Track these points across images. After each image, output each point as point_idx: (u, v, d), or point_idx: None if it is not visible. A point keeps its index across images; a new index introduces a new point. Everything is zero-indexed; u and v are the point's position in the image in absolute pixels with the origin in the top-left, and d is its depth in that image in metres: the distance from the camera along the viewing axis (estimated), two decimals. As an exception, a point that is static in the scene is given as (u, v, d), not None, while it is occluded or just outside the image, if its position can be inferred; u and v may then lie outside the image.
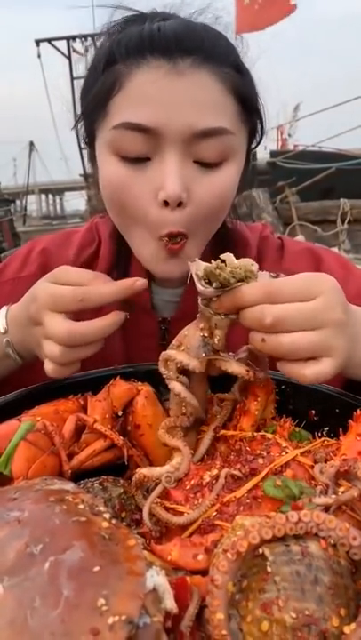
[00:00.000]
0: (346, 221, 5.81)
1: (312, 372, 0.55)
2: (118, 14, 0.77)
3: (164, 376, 0.59)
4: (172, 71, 0.67)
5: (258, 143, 0.83)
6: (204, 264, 0.56)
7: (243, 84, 0.73)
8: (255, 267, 0.56)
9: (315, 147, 9.22)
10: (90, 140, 0.80)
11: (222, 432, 0.61)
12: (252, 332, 0.55)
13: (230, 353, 0.61)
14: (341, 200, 5.93)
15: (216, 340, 0.57)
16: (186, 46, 0.68)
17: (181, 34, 0.69)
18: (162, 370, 0.59)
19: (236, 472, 0.53)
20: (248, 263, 0.56)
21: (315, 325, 0.54)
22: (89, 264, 0.94)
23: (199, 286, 0.55)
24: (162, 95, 0.68)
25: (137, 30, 0.71)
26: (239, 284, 0.55)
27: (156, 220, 0.71)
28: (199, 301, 0.58)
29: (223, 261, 0.56)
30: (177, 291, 0.88)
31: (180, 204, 0.70)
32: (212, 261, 0.56)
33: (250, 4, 7.15)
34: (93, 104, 0.74)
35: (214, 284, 0.54)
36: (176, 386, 0.59)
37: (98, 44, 0.78)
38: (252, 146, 0.83)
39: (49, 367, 0.66)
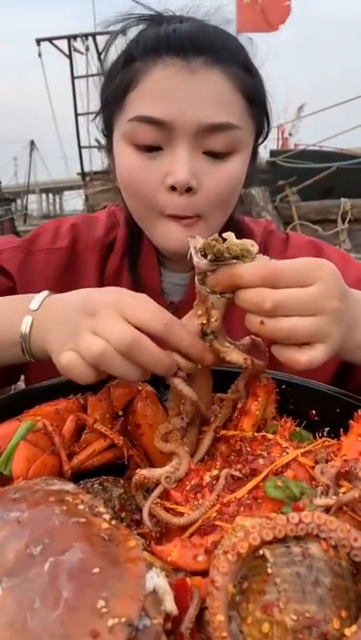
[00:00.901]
0: (346, 221, 5.81)
1: (307, 357, 0.54)
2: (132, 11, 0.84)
3: None
4: (185, 69, 0.73)
5: (265, 138, 0.89)
6: (203, 239, 0.54)
7: (251, 82, 0.79)
8: (255, 248, 0.54)
9: (315, 146, 9.21)
10: (108, 133, 0.86)
11: (223, 432, 0.61)
12: (250, 315, 0.54)
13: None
14: (342, 199, 5.93)
15: (213, 319, 0.55)
16: (199, 46, 0.74)
17: (195, 34, 0.75)
18: None
19: (237, 472, 0.53)
20: (248, 243, 0.54)
21: (313, 312, 0.54)
22: (110, 246, 1.00)
23: (195, 258, 0.53)
24: (174, 91, 0.74)
25: (154, 31, 0.77)
26: (234, 260, 0.53)
27: (164, 202, 0.78)
28: (196, 281, 0.55)
29: (225, 240, 0.54)
30: (185, 275, 0.94)
31: (189, 190, 0.76)
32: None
33: (250, 3, 7.15)
34: (112, 98, 0.80)
35: (209, 257, 0.52)
36: (174, 380, 0.57)
37: (111, 37, 0.85)
38: (259, 141, 0.88)
39: (72, 359, 0.56)
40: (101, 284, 0.99)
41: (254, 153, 0.88)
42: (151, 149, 0.77)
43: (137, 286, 0.96)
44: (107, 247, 0.99)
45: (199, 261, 0.53)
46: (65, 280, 0.96)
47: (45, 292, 0.69)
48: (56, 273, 0.96)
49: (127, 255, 0.97)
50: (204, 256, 0.53)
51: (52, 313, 0.66)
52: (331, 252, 1.00)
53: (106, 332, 0.54)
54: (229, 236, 0.54)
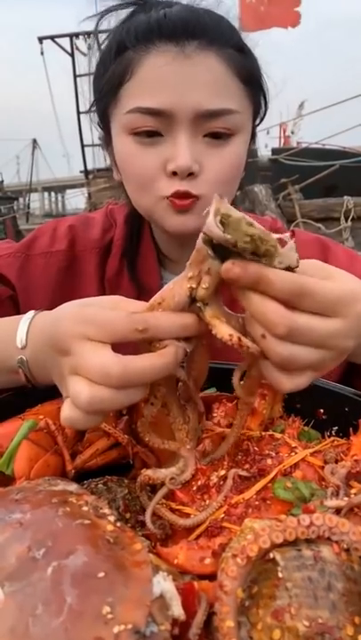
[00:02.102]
0: (349, 219, 5.78)
1: (292, 385, 0.47)
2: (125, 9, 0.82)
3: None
4: (180, 55, 0.72)
5: (262, 119, 0.88)
6: (237, 214, 0.43)
7: (246, 63, 0.78)
8: (277, 248, 0.44)
9: (318, 144, 9.18)
10: (104, 124, 0.85)
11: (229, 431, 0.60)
12: (254, 322, 0.46)
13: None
14: (345, 197, 5.90)
15: (203, 286, 0.45)
16: (191, 30, 0.73)
17: (186, 18, 0.74)
18: None
19: (244, 472, 0.51)
20: (273, 239, 0.44)
21: (321, 346, 0.47)
22: (108, 247, 0.98)
23: (211, 219, 0.43)
24: (171, 78, 0.73)
25: (144, 18, 0.76)
26: (250, 257, 0.43)
27: (164, 187, 0.77)
28: (200, 238, 0.45)
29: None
30: None
31: (191, 174, 0.76)
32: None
33: (255, 3, 7.13)
34: (106, 90, 0.79)
35: (228, 237, 0.42)
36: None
37: (106, 35, 0.83)
38: (257, 122, 0.87)
39: (69, 414, 0.48)
40: (102, 287, 0.97)
41: (253, 134, 0.87)
42: (151, 136, 0.76)
43: (138, 289, 0.95)
44: (104, 249, 0.98)
45: (214, 227, 0.43)
46: (65, 284, 0.96)
47: (30, 314, 0.63)
48: (56, 277, 0.95)
49: (126, 257, 0.96)
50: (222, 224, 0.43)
51: (39, 350, 0.60)
52: (337, 250, 0.99)
53: (87, 371, 0.46)
54: (265, 233, 0.43)
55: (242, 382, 0.52)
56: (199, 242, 0.45)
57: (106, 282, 0.97)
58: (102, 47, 0.83)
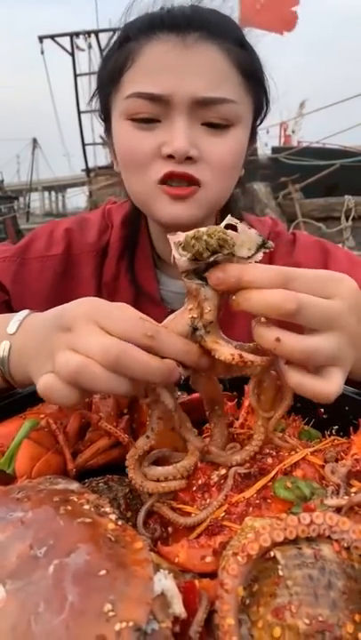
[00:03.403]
0: (350, 218, 5.77)
1: (334, 386, 0.46)
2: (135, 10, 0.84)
3: None
4: (180, 44, 0.74)
5: (263, 117, 0.88)
6: (185, 234, 0.47)
7: (247, 58, 0.79)
8: (229, 235, 0.46)
9: (318, 143, 9.17)
10: (105, 116, 0.86)
11: (230, 430, 0.60)
12: (262, 329, 0.46)
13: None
14: (346, 197, 5.89)
15: (207, 311, 0.48)
16: (193, 22, 0.74)
17: (189, 12, 0.76)
18: None
19: (243, 470, 0.51)
20: (216, 228, 0.46)
21: (326, 326, 0.46)
22: (105, 249, 0.98)
23: (176, 255, 0.47)
24: (169, 65, 0.74)
25: (148, 12, 0.79)
26: (214, 257, 0.46)
27: (158, 168, 0.77)
28: (183, 277, 0.48)
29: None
30: None
31: (190, 159, 0.76)
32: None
33: (252, 1, 7.11)
34: (108, 79, 0.80)
35: (188, 255, 0.46)
36: (163, 392, 0.49)
37: (113, 34, 0.84)
38: (258, 121, 0.88)
39: (48, 381, 0.48)
40: (99, 290, 0.97)
41: (254, 133, 0.87)
42: (149, 121, 0.77)
43: (136, 292, 0.95)
44: (101, 251, 0.98)
45: (179, 258, 0.47)
46: (61, 287, 0.95)
47: (25, 312, 0.64)
48: (52, 281, 0.95)
49: (123, 260, 0.96)
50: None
51: (30, 335, 0.60)
52: (338, 254, 0.98)
53: (85, 346, 0.46)
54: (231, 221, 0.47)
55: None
56: (185, 280, 0.48)
57: (103, 285, 0.97)
58: (109, 45, 0.84)
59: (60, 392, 0.47)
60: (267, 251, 0.47)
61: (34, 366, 0.54)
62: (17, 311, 0.91)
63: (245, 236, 0.46)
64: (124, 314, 0.48)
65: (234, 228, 0.47)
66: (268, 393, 0.52)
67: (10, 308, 0.94)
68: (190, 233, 0.46)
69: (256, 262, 0.47)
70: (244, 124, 0.80)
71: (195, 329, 0.49)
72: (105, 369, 0.45)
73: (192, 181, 0.77)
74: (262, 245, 0.47)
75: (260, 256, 0.47)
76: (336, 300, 0.47)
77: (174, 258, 0.47)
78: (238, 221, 0.47)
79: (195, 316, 0.48)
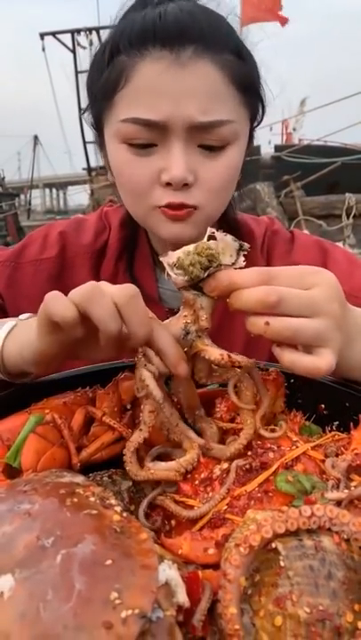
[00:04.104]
0: (351, 216, 5.77)
1: (326, 362, 0.52)
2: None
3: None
4: (175, 63, 0.71)
5: (259, 122, 0.87)
6: (176, 254, 0.53)
7: (243, 69, 0.76)
8: (214, 249, 0.52)
9: (320, 141, 9.17)
10: (98, 127, 0.84)
11: (232, 426, 0.61)
12: (253, 317, 0.52)
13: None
14: (347, 194, 5.89)
15: (202, 318, 0.54)
16: (187, 35, 0.71)
17: (182, 21, 0.72)
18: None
19: (242, 461, 0.52)
20: (202, 244, 0.52)
21: (315, 313, 0.52)
22: (101, 250, 0.98)
23: (172, 275, 0.53)
24: (165, 89, 0.71)
25: (139, 18, 0.74)
26: (207, 272, 0.52)
27: (159, 197, 0.77)
28: (180, 290, 0.55)
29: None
30: None
31: (185, 185, 0.75)
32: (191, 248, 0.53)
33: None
34: (101, 95, 0.78)
35: (186, 278, 0.53)
36: (143, 371, 0.53)
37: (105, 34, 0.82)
38: (254, 125, 0.86)
39: (54, 295, 0.54)
40: None
41: (250, 137, 0.86)
42: (145, 146, 0.76)
43: None
44: (97, 253, 0.97)
45: (176, 277, 0.53)
46: (56, 290, 0.95)
47: (26, 314, 0.69)
48: (46, 284, 0.95)
49: (122, 260, 0.96)
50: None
51: (28, 322, 0.65)
52: (337, 254, 0.98)
53: (102, 285, 0.53)
54: (218, 236, 0.53)
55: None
56: (183, 292, 0.55)
57: None
58: (96, 48, 0.81)
59: (62, 303, 0.52)
60: (245, 252, 0.54)
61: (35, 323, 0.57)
62: (11, 315, 0.93)
63: (224, 243, 0.53)
64: (129, 289, 0.54)
65: (213, 236, 0.53)
66: (246, 392, 0.57)
67: (4, 312, 0.94)
68: (182, 255, 0.53)
69: (241, 267, 0.53)
70: (241, 139, 0.80)
71: (187, 333, 0.55)
72: (110, 301, 0.51)
73: (188, 207, 0.77)
74: (240, 249, 0.54)
75: (241, 260, 0.54)
76: (316, 290, 0.53)
77: (170, 276, 0.54)
78: (215, 230, 0.53)
79: (189, 321, 0.55)
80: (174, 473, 0.53)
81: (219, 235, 0.53)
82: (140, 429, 0.54)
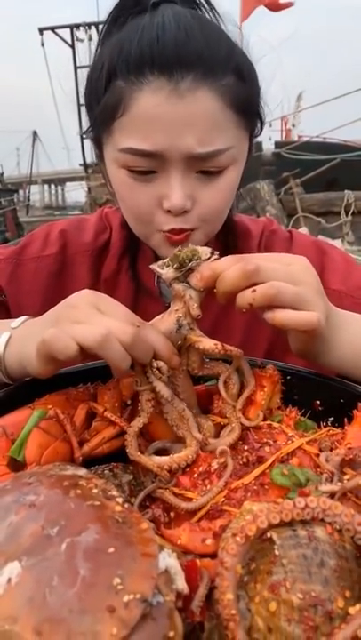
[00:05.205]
0: (350, 213, 5.79)
1: (312, 315, 0.58)
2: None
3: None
4: (173, 94, 0.70)
5: (257, 136, 0.86)
6: (162, 261, 0.62)
7: (243, 92, 0.75)
8: (190, 246, 0.61)
9: (319, 137, 9.17)
10: (97, 145, 0.85)
11: (228, 421, 0.63)
12: (240, 294, 0.57)
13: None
14: (346, 192, 5.90)
15: (193, 307, 0.59)
16: (185, 61, 0.69)
17: (180, 44, 0.70)
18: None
19: (242, 451, 0.55)
20: (186, 249, 0.60)
21: (293, 281, 0.58)
22: (102, 250, 1.00)
23: (161, 273, 0.60)
24: (163, 120, 0.71)
25: (136, 37, 0.71)
26: (190, 264, 0.59)
27: (161, 221, 0.79)
28: (169, 285, 0.61)
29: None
30: None
31: (185, 212, 0.77)
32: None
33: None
34: (100, 120, 0.78)
35: (172, 265, 0.60)
36: (150, 376, 0.59)
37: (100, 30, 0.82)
38: (253, 136, 0.86)
39: (55, 333, 0.55)
40: (96, 288, 0.99)
41: (249, 150, 0.85)
42: (145, 173, 0.76)
43: (137, 288, 0.98)
44: (98, 250, 0.99)
45: (165, 272, 0.60)
46: (57, 287, 0.97)
47: (23, 317, 0.71)
48: (47, 281, 0.97)
49: (126, 257, 0.98)
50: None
51: (30, 327, 0.68)
52: (335, 255, 0.99)
53: (104, 323, 0.56)
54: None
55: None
56: (173, 286, 0.60)
57: (103, 282, 0.99)
58: (93, 62, 0.79)
59: (64, 342, 0.54)
60: (216, 256, 0.61)
61: (32, 340, 0.60)
62: (13, 311, 0.94)
63: (201, 250, 0.61)
64: (117, 304, 0.60)
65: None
66: (233, 389, 0.63)
67: (6, 308, 0.97)
68: (166, 261, 0.61)
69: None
70: (240, 161, 0.80)
71: (180, 326, 0.60)
72: (120, 344, 0.55)
73: (187, 230, 0.79)
74: (212, 254, 0.61)
75: (214, 258, 0.61)
76: (292, 266, 0.61)
77: (160, 278, 0.61)
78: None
79: (180, 315, 0.60)
80: (164, 468, 0.56)
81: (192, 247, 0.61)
82: (140, 416, 0.60)
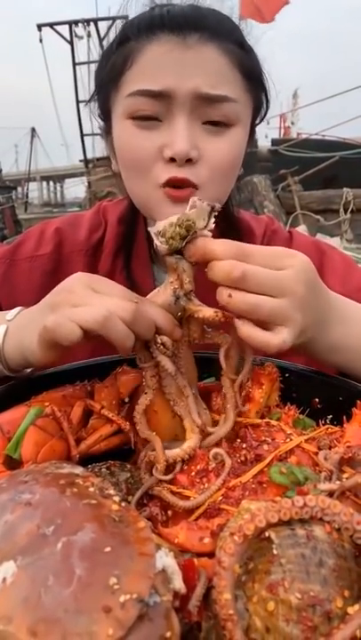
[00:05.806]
0: (349, 211, 5.79)
1: (278, 340, 0.56)
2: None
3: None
4: (181, 44, 0.73)
5: (263, 118, 0.88)
6: (162, 223, 0.58)
7: (247, 58, 0.78)
8: (192, 219, 0.57)
9: (318, 135, 9.16)
10: (105, 116, 0.85)
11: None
12: (221, 288, 0.56)
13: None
14: (344, 189, 5.91)
15: (186, 282, 0.58)
16: (194, 23, 0.74)
17: (189, 13, 0.75)
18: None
19: (242, 457, 0.54)
20: (182, 215, 0.57)
21: (277, 292, 0.56)
22: (97, 247, 0.99)
23: (156, 241, 0.58)
24: (171, 63, 0.73)
25: (148, 12, 0.77)
26: (185, 241, 0.57)
27: (160, 172, 0.76)
28: (164, 256, 0.59)
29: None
30: None
31: (189, 161, 0.75)
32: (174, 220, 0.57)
33: None
34: (108, 79, 0.79)
35: (167, 246, 0.57)
36: (154, 351, 0.59)
37: (112, 23, 0.87)
38: (257, 120, 0.87)
39: (57, 319, 0.56)
40: None
41: (252, 132, 0.87)
42: (150, 119, 0.76)
43: (131, 286, 0.97)
44: (93, 248, 0.98)
45: (160, 245, 0.58)
46: (52, 286, 0.95)
47: (18, 309, 0.72)
48: (41, 280, 0.96)
49: (120, 256, 0.97)
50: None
51: (27, 317, 0.69)
52: (334, 256, 0.99)
53: (103, 303, 0.56)
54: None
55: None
56: (167, 258, 0.59)
57: None
58: (105, 42, 0.83)
59: (67, 326, 0.55)
60: (216, 213, 0.58)
61: (34, 322, 0.62)
62: (5, 310, 0.94)
63: (199, 209, 0.57)
64: (112, 283, 0.61)
65: (194, 205, 0.58)
66: (233, 360, 0.61)
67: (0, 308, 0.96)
68: (166, 226, 0.58)
69: (211, 229, 0.58)
70: (244, 124, 0.80)
71: (177, 297, 0.59)
72: (123, 322, 0.55)
73: (190, 185, 0.77)
74: (212, 210, 0.58)
75: (212, 222, 0.58)
76: (286, 271, 0.58)
77: (156, 246, 0.58)
78: (197, 199, 0.58)
79: (176, 286, 0.59)
80: (177, 460, 0.56)
81: (192, 201, 0.57)
82: (146, 393, 0.60)
